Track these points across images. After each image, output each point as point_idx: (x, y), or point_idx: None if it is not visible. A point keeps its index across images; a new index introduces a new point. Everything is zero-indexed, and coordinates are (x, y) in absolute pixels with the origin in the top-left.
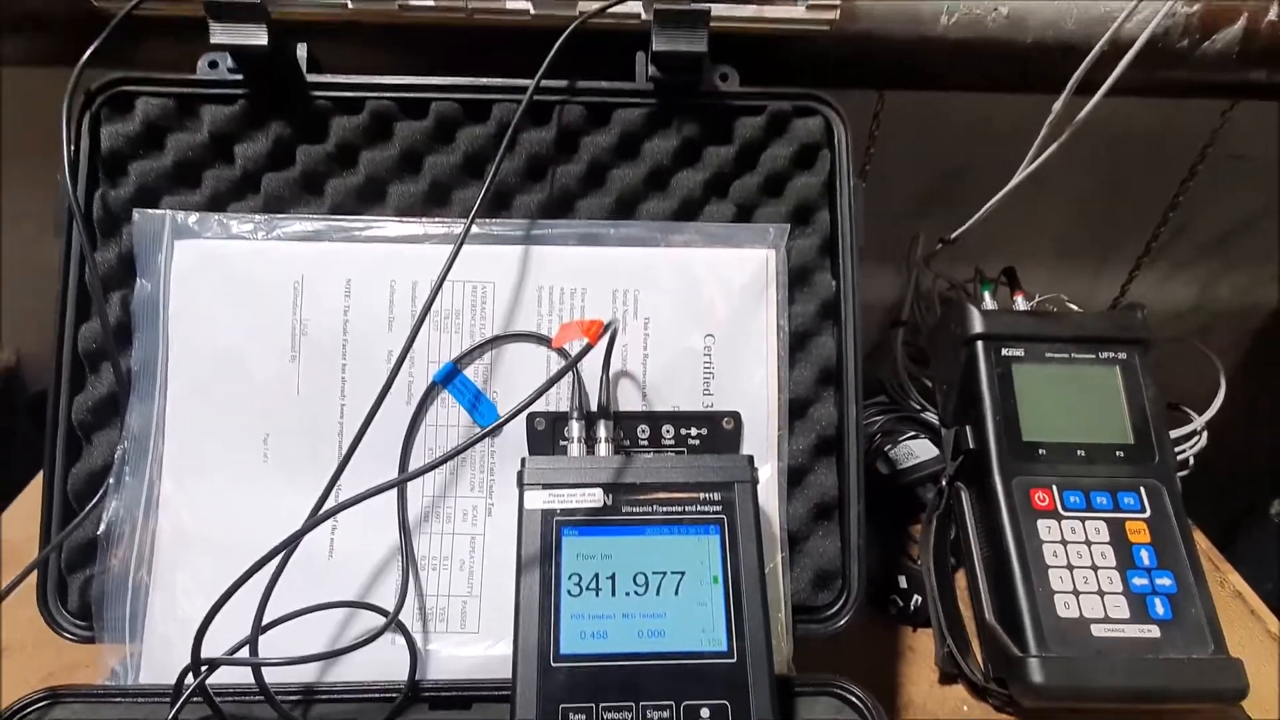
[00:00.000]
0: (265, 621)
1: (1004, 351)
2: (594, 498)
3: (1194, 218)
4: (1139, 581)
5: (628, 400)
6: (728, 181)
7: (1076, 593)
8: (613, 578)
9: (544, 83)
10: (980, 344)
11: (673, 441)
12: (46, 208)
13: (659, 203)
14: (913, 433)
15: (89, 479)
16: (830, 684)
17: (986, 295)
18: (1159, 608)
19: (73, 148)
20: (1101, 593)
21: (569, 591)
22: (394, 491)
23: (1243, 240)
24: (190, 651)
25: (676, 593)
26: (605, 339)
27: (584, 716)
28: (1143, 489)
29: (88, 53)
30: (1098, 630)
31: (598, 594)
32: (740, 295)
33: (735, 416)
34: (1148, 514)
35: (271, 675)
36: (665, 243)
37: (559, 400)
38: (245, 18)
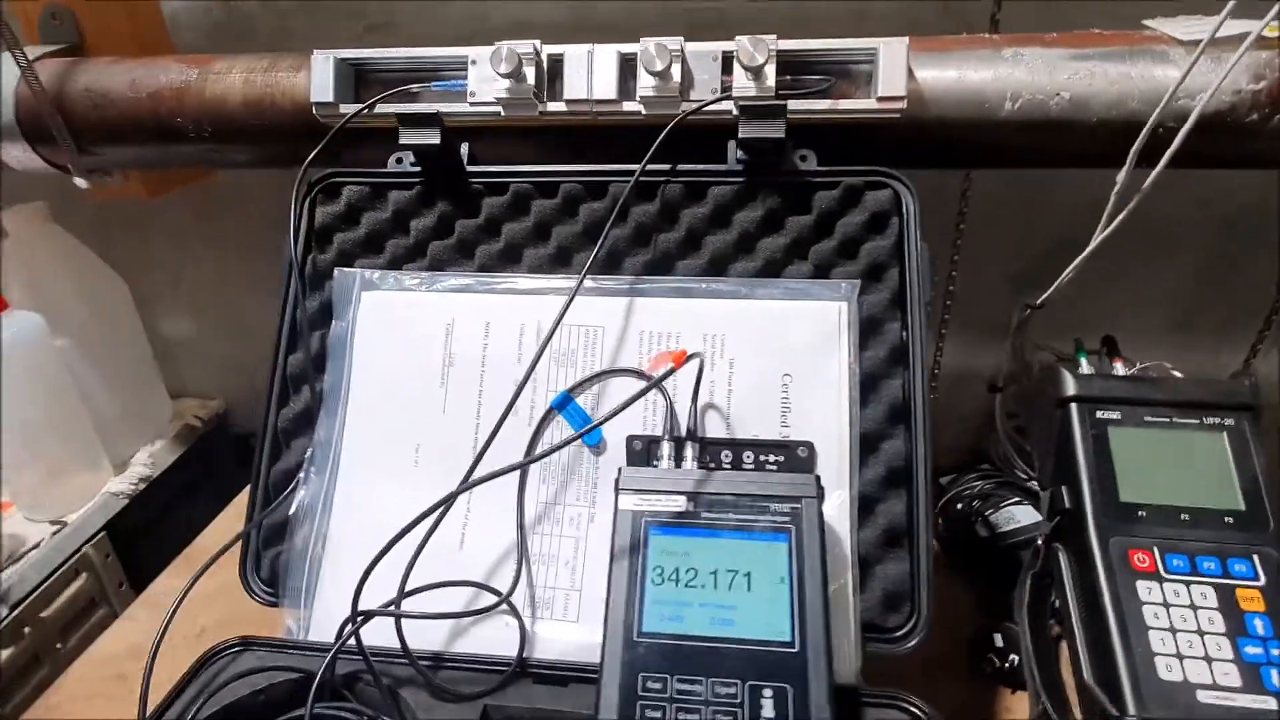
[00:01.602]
0: (407, 589)
1: (1099, 414)
2: (678, 503)
3: None
4: (1252, 650)
5: (714, 429)
6: (807, 245)
7: (1180, 656)
8: (691, 571)
9: (650, 167)
10: (1074, 406)
11: (752, 466)
12: (248, 279)
13: (746, 264)
14: (1016, 498)
15: (284, 475)
16: (896, 698)
17: (1083, 361)
18: (1276, 679)
19: (296, 224)
20: (1209, 659)
21: (653, 580)
22: (515, 496)
23: None
24: (350, 605)
25: (747, 589)
26: (694, 368)
27: (660, 684)
28: (1256, 557)
29: (313, 154)
30: (1205, 696)
31: (677, 584)
32: (815, 340)
33: (809, 446)
34: (1262, 582)
35: (409, 643)
36: (750, 295)
37: (655, 428)
38: (424, 124)
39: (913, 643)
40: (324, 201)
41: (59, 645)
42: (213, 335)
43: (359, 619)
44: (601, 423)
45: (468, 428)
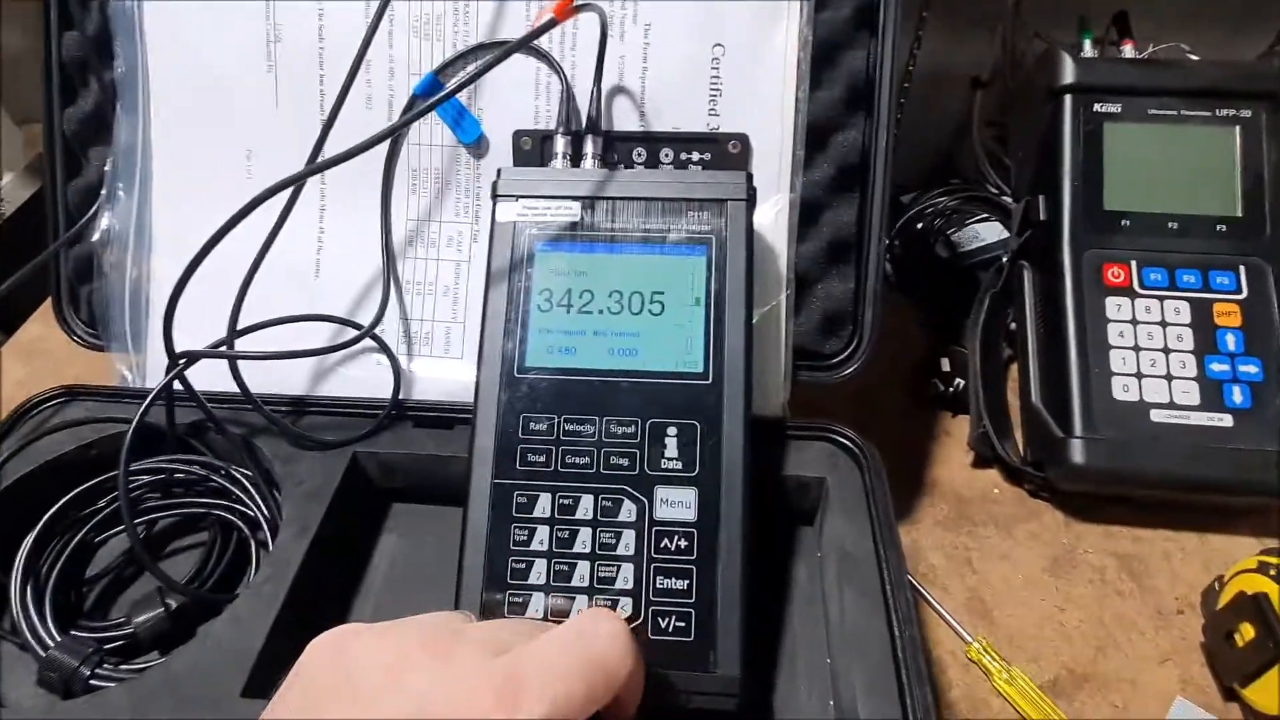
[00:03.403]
0: (251, 326)
1: (1097, 107)
2: (571, 211)
3: None
4: (1218, 367)
5: (624, 120)
6: None
7: (1139, 375)
8: (586, 295)
9: None
10: (1069, 98)
11: (671, 166)
12: None
13: None
14: (983, 215)
15: (87, 193)
16: (825, 429)
17: (1087, 44)
18: (1237, 396)
19: None
20: (1170, 377)
21: (539, 307)
22: (378, 212)
23: None
24: (164, 344)
25: (653, 313)
26: (594, 31)
27: (545, 425)
28: (1243, 268)
29: None
30: (1158, 415)
31: (569, 310)
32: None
33: (743, 140)
34: (1243, 295)
35: (259, 387)
36: None
37: (552, 123)
38: None
39: (850, 370)
40: None
41: None
42: None
43: (182, 360)
44: (454, 92)
45: (310, 124)
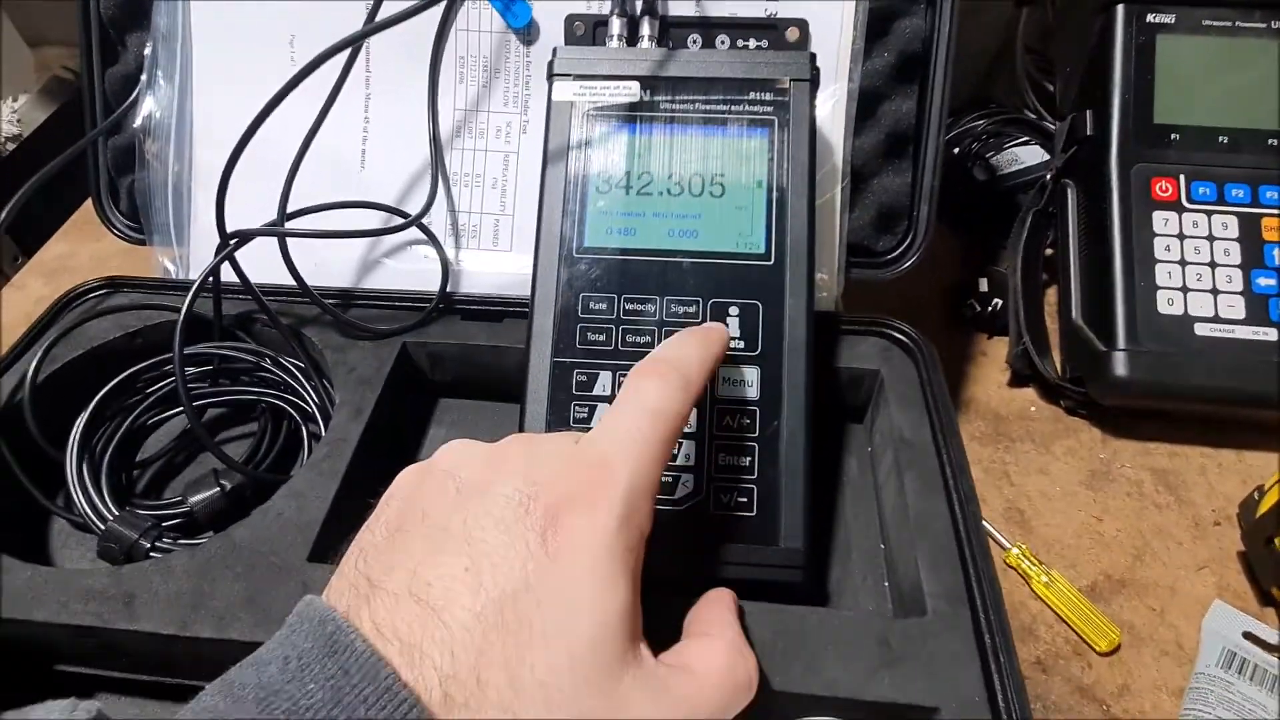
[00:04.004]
0: (299, 210)
1: (1150, 18)
2: (630, 91)
3: None
4: (1265, 282)
5: (679, 6)
6: None
7: (1185, 289)
8: (645, 176)
9: None
10: (1121, 8)
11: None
12: None
13: None
14: (1023, 139)
15: (125, 81)
16: (879, 322)
17: None
18: None
19: None
20: (1216, 291)
21: (597, 188)
22: (424, 102)
23: None
24: (217, 228)
25: (714, 195)
26: None
27: (605, 305)
28: None
29: None
30: (1202, 329)
31: (628, 192)
32: None
33: (802, 26)
34: None
35: (310, 280)
36: None
37: (603, 5)
38: None
39: (905, 265)
40: None
41: None
42: None
43: (233, 241)
44: None
45: (355, 9)
